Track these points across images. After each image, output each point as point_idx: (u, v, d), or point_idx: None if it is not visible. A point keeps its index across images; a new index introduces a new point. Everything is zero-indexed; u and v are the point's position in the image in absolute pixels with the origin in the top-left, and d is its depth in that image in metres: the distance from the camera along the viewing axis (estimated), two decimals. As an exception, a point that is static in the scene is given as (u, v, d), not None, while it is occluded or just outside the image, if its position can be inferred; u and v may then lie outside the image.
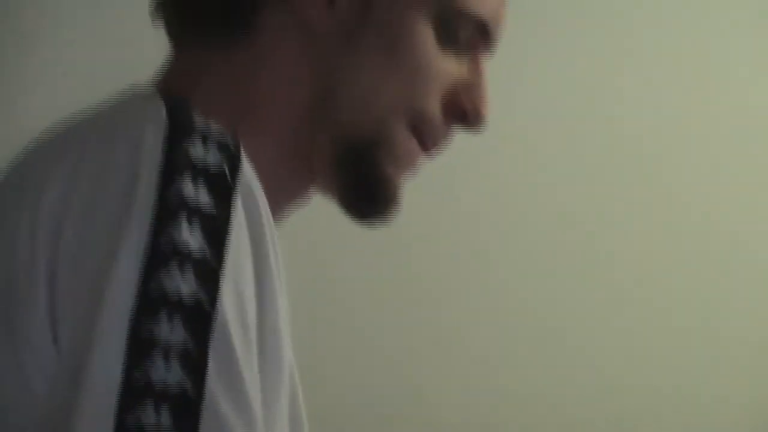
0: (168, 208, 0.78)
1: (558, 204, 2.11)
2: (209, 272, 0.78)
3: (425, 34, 0.97)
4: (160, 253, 0.77)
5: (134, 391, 0.75)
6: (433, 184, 1.78)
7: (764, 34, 2.19)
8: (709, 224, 2.16)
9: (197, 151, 0.81)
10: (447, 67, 0.98)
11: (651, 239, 2.14)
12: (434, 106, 0.98)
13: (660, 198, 2.15)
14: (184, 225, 0.78)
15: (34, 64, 1.82)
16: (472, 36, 0.99)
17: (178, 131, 0.82)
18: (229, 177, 0.81)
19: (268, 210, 0.85)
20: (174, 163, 0.80)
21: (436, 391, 2.04)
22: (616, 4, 2.14)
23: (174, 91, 0.92)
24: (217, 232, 0.79)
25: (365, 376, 2.02)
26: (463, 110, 0.99)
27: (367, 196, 1.00)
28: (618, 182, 2.14)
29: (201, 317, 0.77)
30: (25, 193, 0.84)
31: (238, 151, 0.83)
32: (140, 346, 0.76)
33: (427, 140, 1.00)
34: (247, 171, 0.83)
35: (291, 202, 1.01)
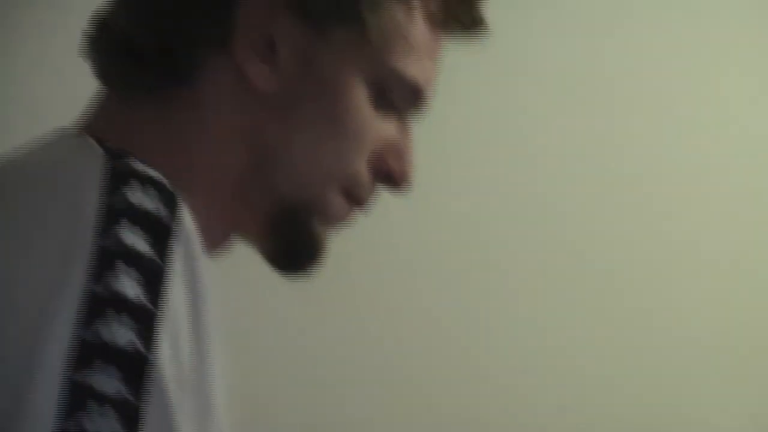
0: (105, 257, 0.78)
1: (556, 206, 2.11)
2: (146, 320, 0.78)
3: (362, 97, 0.96)
4: (98, 302, 0.77)
5: None
6: (432, 186, 1.78)
7: (762, 35, 2.19)
8: (708, 225, 2.16)
9: (135, 196, 0.81)
10: (378, 128, 0.98)
11: (651, 241, 2.15)
12: (364, 168, 0.99)
13: (659, 199, 2.15)
14: (122, 273, 0.78)
15: (34, 64, 1.82)
16: (404, 98, 0.99)
17: (116, 177, 0.82)
18: (167, 223, 0.81)
19: (203, 255, 0.84)
20: (112, 210, 0.80)
21: (432, 393, 2.05)
22: (615, 4, 2.15)
23: (107, 138, 0.90)
24: (154, 279, 0.79)
25: (359, 378, 2.02)
26: (389, 172, 1.00)
27: (295, 255, 1.00)
28: (617, 184, 2.14)
29: (137, 366, 0.77)
30: None
31: (176, 197, 0.83)
32: (75, 396, 0.75)
33: (359, 201, 1.00)
34: (185, 217, 0.83)
35: (215, 251, 0.99)
